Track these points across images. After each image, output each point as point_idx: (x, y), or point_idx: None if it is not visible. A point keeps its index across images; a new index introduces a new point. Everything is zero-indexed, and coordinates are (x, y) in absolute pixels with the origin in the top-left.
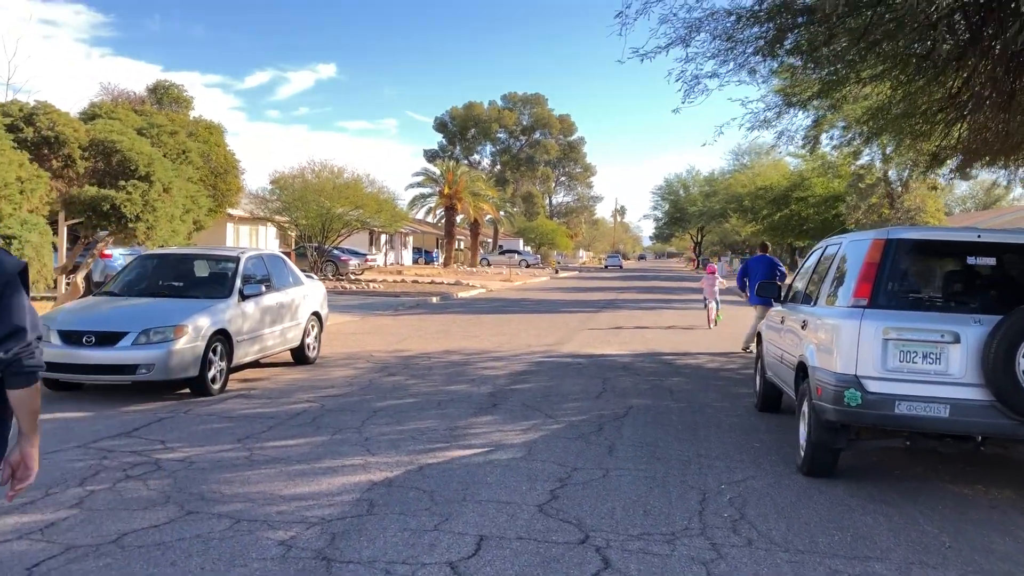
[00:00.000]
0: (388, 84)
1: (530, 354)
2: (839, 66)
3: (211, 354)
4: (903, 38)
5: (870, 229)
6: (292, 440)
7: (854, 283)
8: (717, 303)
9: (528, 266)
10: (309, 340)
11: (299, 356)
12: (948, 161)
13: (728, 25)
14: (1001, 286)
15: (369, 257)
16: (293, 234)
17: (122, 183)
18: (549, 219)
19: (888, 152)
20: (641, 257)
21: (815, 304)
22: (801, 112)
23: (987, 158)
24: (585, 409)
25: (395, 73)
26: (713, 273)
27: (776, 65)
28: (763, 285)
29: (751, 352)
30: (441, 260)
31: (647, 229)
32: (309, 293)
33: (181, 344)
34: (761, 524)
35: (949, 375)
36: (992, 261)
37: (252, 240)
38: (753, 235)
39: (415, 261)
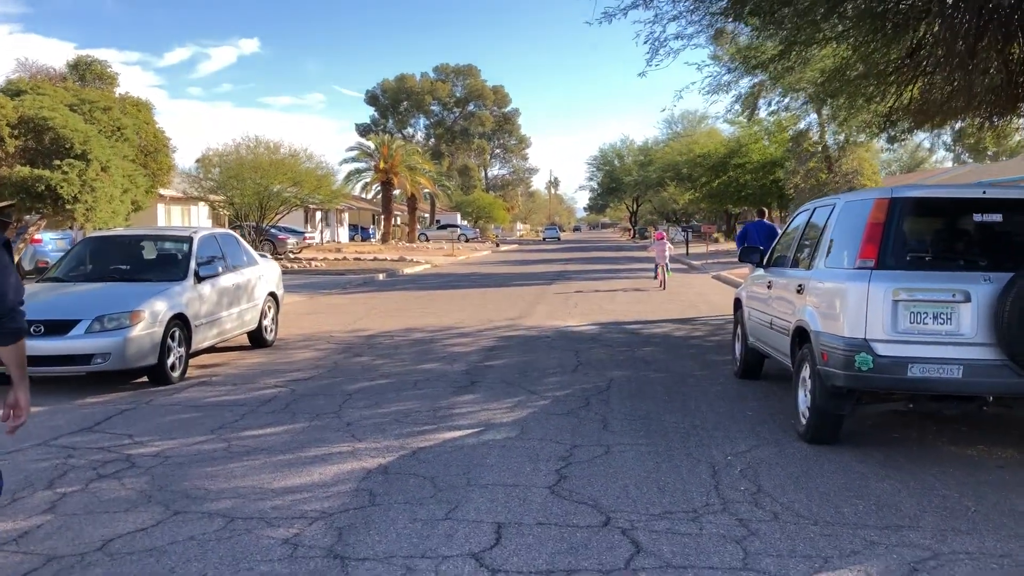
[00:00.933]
0: (313, 58)
1: (494, 329)
2: (802, 24)
3: (169, 340)
4: None
5: (808, 193)
6: (269, 428)
7: (859, 244)
8: (667, 266)
9: (467, 240)
10: (266, 322)
11: (256, 339)
12: (900, 123)
13: None
14: (1008, 243)
15: (307, 235)
16: (226, 213)
17: (56, 162)
18: (486, 192)
19: (838, 115)
20: (576, 228)
21: (811, 268)
22: (761, 75)
23: (937, 119)
24: (566, 383)
25: (320, 47)
26: (663, 239)
27: (738, 27)
28: (745, 251)
29: None
30: (378, 236)
31: (581, 200)
32: (264, 273)
33: (138, 331)
34: (781, 496)
35: (960, 335)
36: (998, 218)
37: (185, 221)
38: (691, 203)
39: (351, 238)
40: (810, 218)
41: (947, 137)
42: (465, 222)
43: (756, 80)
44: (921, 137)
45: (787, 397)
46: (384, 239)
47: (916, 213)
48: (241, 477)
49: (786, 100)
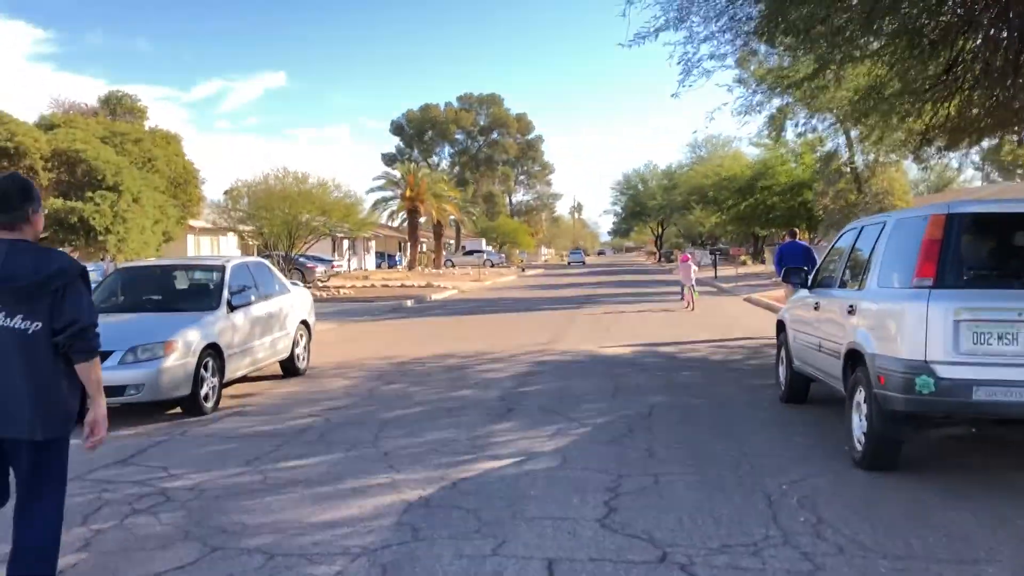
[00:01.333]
0: (339, 91)
1: (527, 354)
2: (836, 42)
3: (203, 370)
4: (904, 10)
5: (838, 214)
6: (306, 460)
7: (915, 262)
8: (694, 287)
9: (493, 265)
10: (298, 350)
11: (289, 367)
12: (935, 140)
13: (724, 3)
14: None
15: (335, 263)
16: (255, 243)
17: (89, 194)
18: (511, 218)
19: (871, 134)
20: (600, 252)
21: (862, 288)
22: (790, 95)
23: (973, 135)
24: (606, 410)
25: (346, 79)
26: (687, 261)
27: (767, 48)
28: (789, 271)
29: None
30: (404, 263)
31: (604, 225)
32: (296, 301)
33: (171, 361)
34: (844, 527)
35: None
36: None
37: (214, 251)
38: (717, 225)
39: (378, 265)
40: (858, 237)
41: (976, 156)
42: (490, 247)
43: (786, 101)
44: (951, 156)
45: (837, 422)
46: (411, 266)
47: (974, 229)
48: (279, 511)
49: (813, 121)
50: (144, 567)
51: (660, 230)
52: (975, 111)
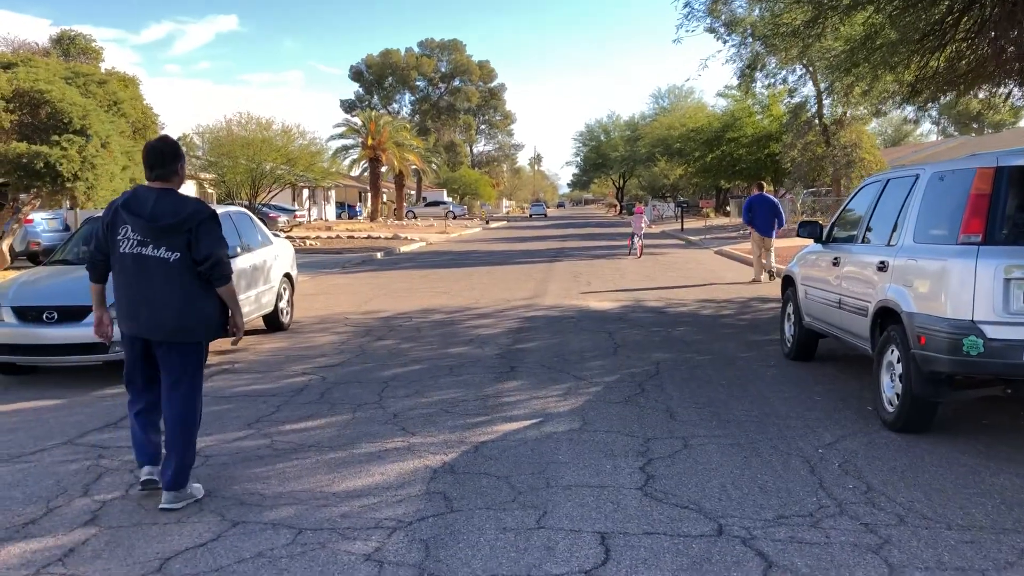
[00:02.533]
0: (292, 35)
1: (512, 309)
2: None
3: None
4: None
5: (806, 167)
6: (311, 422)
7: (960, 218)
8: (641, 238)
9: (455, 217)
10: (282, 304)
11: (272, 322)
12: (924, 92)
13: None
14: None
15: (297, 213)
16: (214, 192)
17: (55, 138)
18: (472, 169)
19: (858, 86)
20: (560, 204)
21: (894, 244)
22: (787, 42)
23: (962, 87)
24: (611, 368)
25: (299, 24)
26: (640, 213)
27: None
28: (804, 224)
29: (763, 280)
30: (365, 214)
31: (565, 176)
32: (279, 253)
33: None
34: (896, 495)
35: None
36: None
37: None
38: (682, 177)
39: (338, 216)
40: (882, 191)
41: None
42: (451, 199)
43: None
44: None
45: (851, 379)
46: (372, 217)
47: None
48: (296, 479)
49: (783, 72)
50: (162, 544)
51: (622, 182)
52: (963, 63)
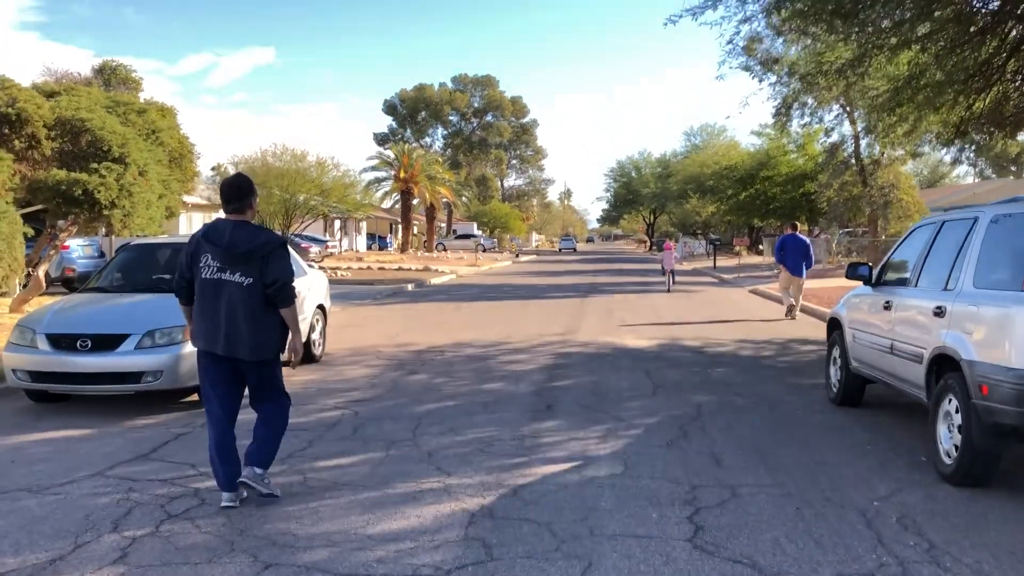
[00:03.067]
0: (328, 68)
1: (547, 345)
2: (884, 25)
3: None
4: None
5: (842, 207)
6: (344, 459)
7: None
8: (673, 273)
9: (485, 250)
10: (315, 336)
11: (305, 354)
12: (971, 133)
13: None
14: None
15: (329, 244)
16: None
17: (94, 165)
18: (502, 203)
19: (901, 126)
20: (589, 239)
21: (951, 288)
22: (830, 80)
23: (1008, 129)
24: (651, 409)
25: (335, 57)
26: (670, 249)
27: (818, 29)
28: (854, 265)
29: (793, 317)
30: (396, 245)
31: (594, 211)
32: (313, 284)
33: (191, 347)
34: (960, 554)
35: None
36: None
37: None
38: (714, 215)
39: (368, 247)
40: (937, 233)
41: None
42: (481, 232)
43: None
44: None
45: (901, 428)
46: (403, 248)
47: None
48: (329, 519)
49: (820, 111)
50: None
51: (652, 218)
52: (1010, 104)
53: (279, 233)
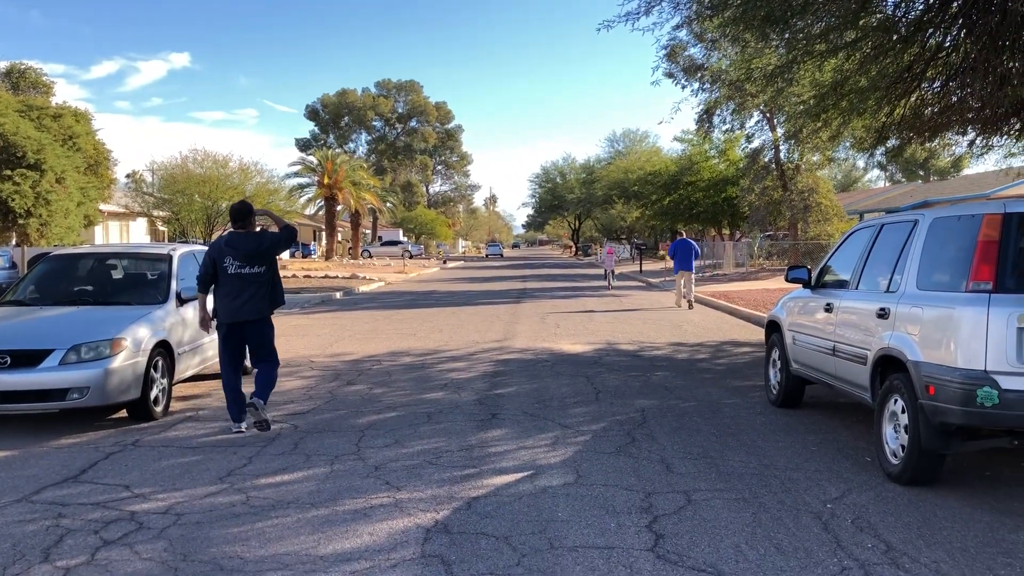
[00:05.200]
0: (246, 73)
1: (484, 352)
2: (813, 31)
3: (152, 371)
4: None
5: (763, 211)
6: (287, 475)
7: (969, 265)
8: (613, 273)
9: (412, 257)
10: None
11: None
12: (889, 139)
13: None
14: None
15: None
16: (166, 229)
17: (7, 172)
18: (428, 209)
19: (825, 131)
20: (515, 245)
21: (893, 290)
22: (758, 86)
23: (927, 133)
24: (595, 415)
25: (253, 62)
26: (611, 253)
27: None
28: (793, 268)
29: (681, 307)
30: (320, 253)
31: (520, 217)
32: None
33: (120, 361)
34: (918, 554)
35: None
36: None
37: (124, 236)
38: (639, 219)
39: (292, 255)
40: (877, 236)
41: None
42: (407, 238)
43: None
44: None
45: (842, 427)
46: (328, 256)
47: None
48: (278, 540)
49: (740, 117)
50: None
51: (578, 224)
52: (928, 109)
53: (212, 240)
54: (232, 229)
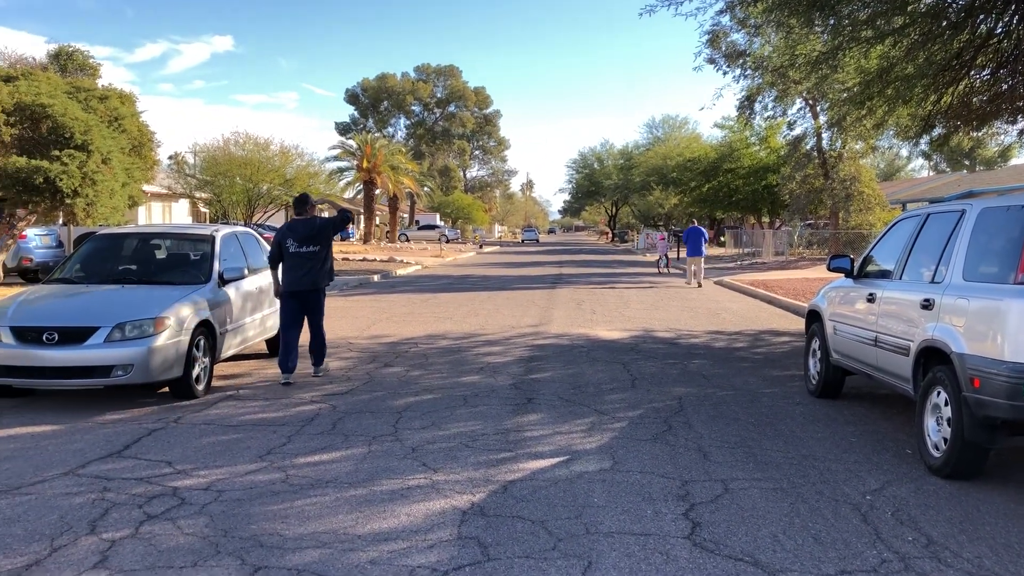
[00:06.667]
0: (287, 56)
1: (520, 337)
2: (860, 17)
3: (195, 350)
4: None
5: (804, 199)
6: (325, 454)
7: (1019, 257)
8: (667, 258)
9: (448, 241)
10: None
11: (275, 346)
12: (935, 127)
13: None
14: None
15: None
16: (207, 211)
17: (55, 153)
18: (465, 193)
19: (869, 119)
20: (551, 231)
21: (939, 281)
22: (802, 73)
23: (974, 122)
24: (632, 402)
25: (294, 45)
26: (663, 239)
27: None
28: (835, 258)
29: (691, 284)
30: (358, 236)
31: (556, 203)
32: None
33: (163, 340)
34: (960, 549)
35: None
36: None
37: (166, 217)
38: (676, 206)
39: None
40: (922, 226)
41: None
42: (444, 223)
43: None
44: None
45: (883, 419)
46: (366, 239)
47: None
48: (316, 519)
49: (782, 105)
50: None
51: (614, 210)
52: (977, 97)
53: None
54: (295, 216)
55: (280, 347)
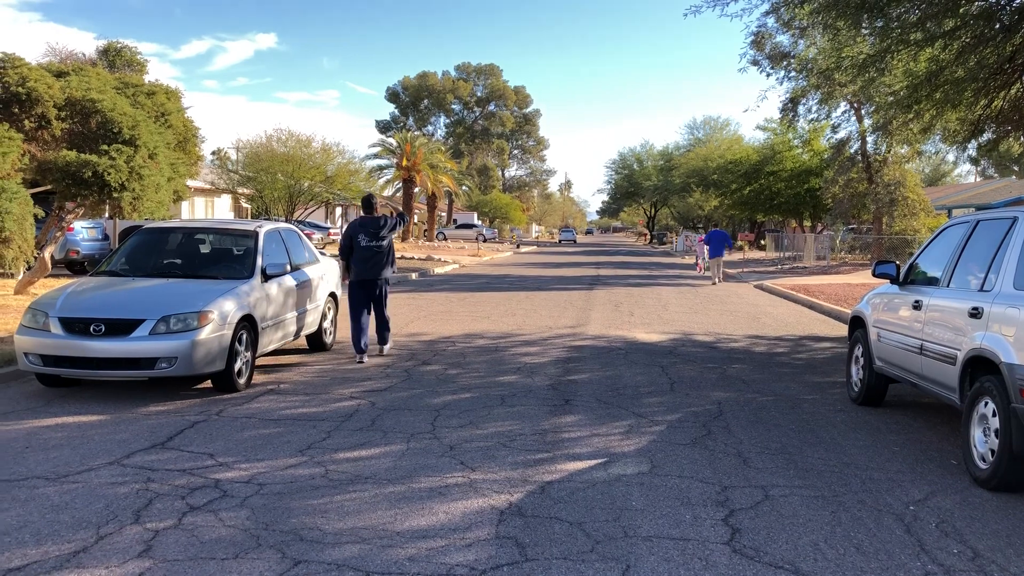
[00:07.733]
0: (329, 55)
1: (557, 337)
2: (910, 20)
3: (237, 344)
4: None
5: (847, 203)
6: (364, 451)
7: None
8: (705, 259)
9: (486, 240)
10: (326, 324)
11: (316, 342)
12: (985, 132)
13: None
14: None
15: (331, 231)
16: (249, 207)
17: (104, 147)
18: (503, 193)
19: (916, 123)
20: (588, 231)
21: (987, 289)
22: (848, 76)
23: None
24: (671, 406)
25: (337, 44)
26: (703, 240)
27: (844, 23)
28: (882, 263)
29: (714, 283)
30: (397, 234)
31: (594, 203)
32: (326, 272)
33: (206, 333)
34: (1007, 564)
35: None
36: None
37: (208, 212)
38: (716, 209)
39: None
40: (971, 233)
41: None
42: (481, 222)
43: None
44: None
45: (927, 429)
46: (404, 237)
47: None
48: (356, 514)
49: (826, 107)
50: None
51: (653, 211)
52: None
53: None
54: (362, 214)
55: (351, 331)
